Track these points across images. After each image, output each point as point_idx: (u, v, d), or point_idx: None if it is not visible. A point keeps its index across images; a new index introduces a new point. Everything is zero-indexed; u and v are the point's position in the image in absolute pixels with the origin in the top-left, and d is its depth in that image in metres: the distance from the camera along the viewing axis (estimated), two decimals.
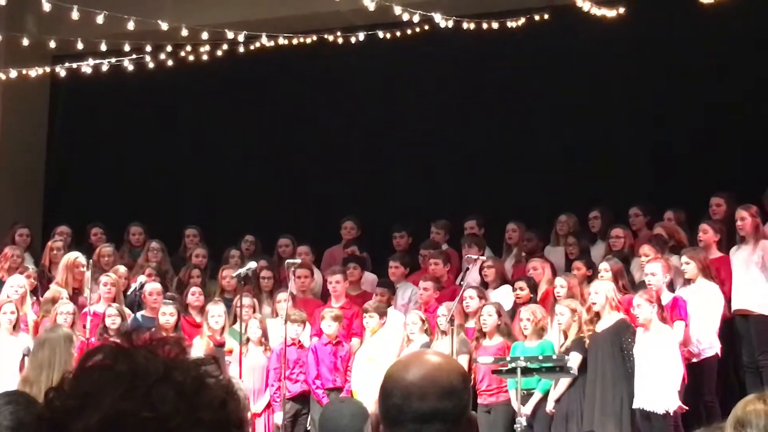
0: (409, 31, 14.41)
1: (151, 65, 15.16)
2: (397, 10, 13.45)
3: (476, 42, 14.60)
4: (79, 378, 1.64)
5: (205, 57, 15.05)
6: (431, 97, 15.88)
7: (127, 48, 14.80)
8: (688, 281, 11.26)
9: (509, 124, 15.53)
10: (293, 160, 16.64)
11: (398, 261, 13.46)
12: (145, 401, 1.59)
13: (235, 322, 12.44)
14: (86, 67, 15.13)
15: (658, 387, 10.28)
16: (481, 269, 12.63)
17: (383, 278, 13.35)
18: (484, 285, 12.63)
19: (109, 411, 1.57)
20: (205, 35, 14.44)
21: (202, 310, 12.72)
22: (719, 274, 11.41)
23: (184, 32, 14.14)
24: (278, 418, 11.96)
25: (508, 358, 10.60)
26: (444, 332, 11.39)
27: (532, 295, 11.94)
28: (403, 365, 2.75)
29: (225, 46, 14.93)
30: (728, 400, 10.94)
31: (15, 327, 11.64)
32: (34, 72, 15.48)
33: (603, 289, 10.91)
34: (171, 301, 12.45)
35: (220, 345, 12.18)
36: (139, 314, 12.52)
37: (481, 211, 14.32)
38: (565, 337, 11.07)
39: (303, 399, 12.13)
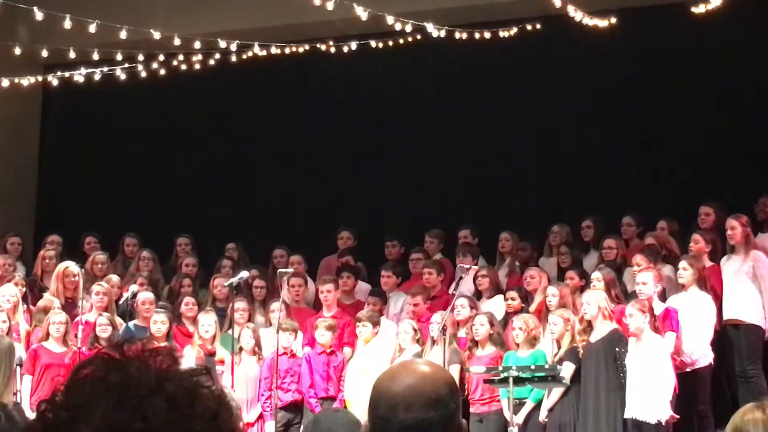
0: (401, 41, 14.42)
1: (143, 74, 15.16)
2: (390, 19, 13.47)
3: (469, 52, 14.63)
4: (71, 390, 1.63)
5: (197, 66, 15.06)
6: (424, 106, 15.90)
7: (119, 57, 14.79)
8: (681, 287, 11.26)
9: (502, 133, 15.54)
10: (286, 168, 16.64)
11: (390, 270, 13.45)
12: (137, 412, 1.58)
13: (229, 328, 12.44)
14: (78, 76, 15.13)
15: (650, 397, 10.28)
16: (475, 278, 12.63)
17: (376, 288, 13.35)
18: (478, 294, 12.62)
19: (101, 423, 1.57)
20: (197, 44, 14.45)
21: (195, 319, 12.70)
22: (711, 283, 11.42)
23: (177, 41, 14.15)
24: (270, 427, 11.95)
25: (501, 368, 10.59)
26: (435, 342, 11.39)
27: (523, 305, 11.94)
28: (390, 376, 2.74)
29: (217, 56, 14.93)
30: (720, 409, 10.99)
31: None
32: (26, 81, 15.46)
33: (595, 298, 10.90)
34: (163, 310, 12.43)
35: (211, 354, 12.15)
36: (131, 323, 12.50)
37: (474, 220, 14.32)
38: (559, 347, 11.06)
39: (295, 408, 12.11)
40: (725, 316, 11.40)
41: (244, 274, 12.48)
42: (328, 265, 14.52)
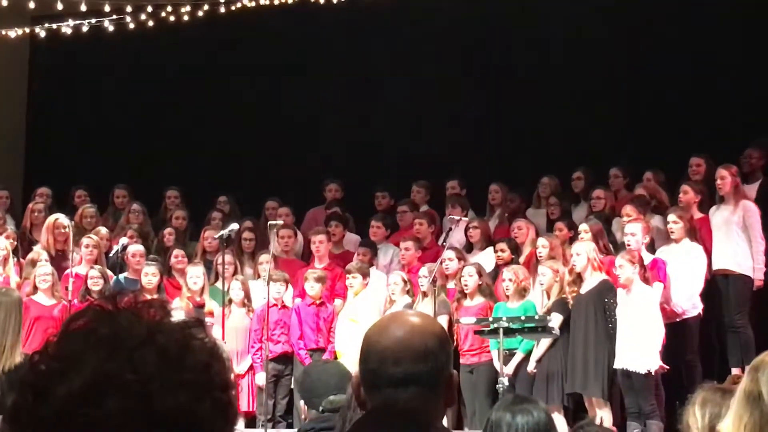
0: None
1: (131, 26, 15.07)
2: None
3: (457, 2, 14.56)
4: (63, 341, 1.64)
5: (185, 17, 14.97)
6: (412, 57, 15.84)
7: (107, 9, 14.69)
8: (671, 241, 11.30)
9: (490, 84, 15.50)
10: (274, 120, 16.60)
11: (380, 221, 13.46)
12: (128, 364, 1.59)
13: (216, 280, 12.45)
14: (66, 28, 15.03)
15: (639, 347, 10.33)
16: (466, 230, 12.64)
17: (365, 239, 13.37)
18: (470, 246, 12.64)
19: (92, 374, 1.58)
20: None
21: (184, 272, 12.70)
22: (700, 234, 11.45)
23: None
24: (260, 379, 11.99)
25: (491, 319, 10.63)
26: (425, 293, 11.42)
27: (513, 256, 11.96)
28: (379, 329, 2.75)
29: (206, 7, 14.84)
30: (709, 359, 11.05)
31: None
32: (13, 33, 15.38)
33: (584, 249, 10.93)
34: (154, 262, 12.42)
35: (200, 306, 12.17)
36: (121, 276, 12.51)
37: (463, 171, 14.33)
38: (548, 298, 11.11)
39: (285, 359, 12.15)
40: (714, 266, 11.44)
41: (235, 226, 12.46)
42: (315, 217, 14.52)
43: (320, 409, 5.51)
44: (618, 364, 10.46)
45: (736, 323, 11.29)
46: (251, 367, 12.17)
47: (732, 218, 11.40)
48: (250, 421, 12.17)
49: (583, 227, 11.63)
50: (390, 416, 2.63)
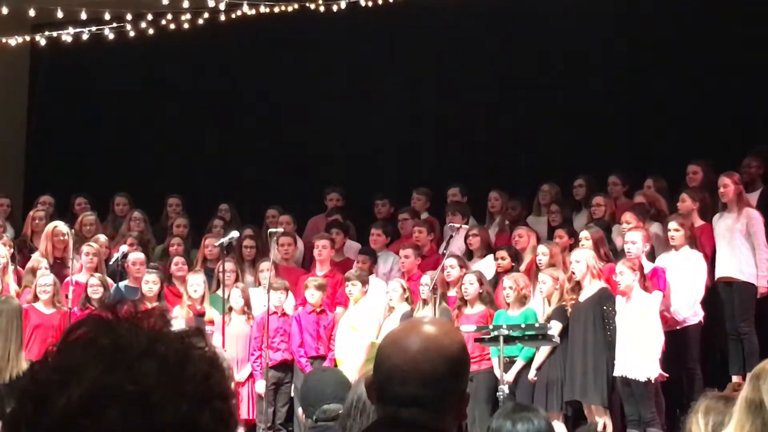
0: (391, 0, 14.36)
1: (131, 34, 15.08)
2: None
3: (457, 10, 14.57)
4: (63, 352, 1.63)
5: (186, 25, 14.98)
6: (413, 65, 15.85)
7: (107, 17, 14.70)
8: (670, 248, 11.28)
9: (491, 92, 15.51)
10: (275, 128, 16.61)
11: (380, 229, 13.44)
12: (127, 375, 1.58)
13: (218, 288, 12.44)
14: (66, 36, 15.04)
15: (639, 355, 10.33)
16: (466, 237, 12.63)
17: (365, 246, 13.35)
18: (470, 253, 12.62)
19: (92, 385, 1.57)
20: (185, 3, 14.37)
21: (185, 279, 12.68)
22: (701, 241, 11.44)
23: (165, 0, 14.06)
24: (260, 386, 11.98)
25: (491, 326, 10.62)
26: (425, 301, 11.41)
27: (513, 264, 11.95)
28: (392, 340, 2.71)
29: (206, 15, 14.85)
30: (711, 367, 11.03)
31: None
32: (13, 41, 15.38)
33: (584, 257, 10.93)
34: (154, 270, 12.41)
35: (200, 314, 12.16)
36: (122, 284, 12.50)
37: (463, 178, 14.32)
38: (549, 305, 11.10)
39: (285, 367, 12.14)
40: (718, 274, 11.42)
41: (235, 234, 12.47)
42: (316, 225, 14.52)
43: (314, 418, 5.45)
44: (618, 372, 10.45)
45: (741, 330, 11.26)
46: (251, 375, 12.16)
47: (735, 226, 11.38)
48: (250, 429, 12.16)
49: (583, 234, 11.62)
50: (396, 429, 2.62)
